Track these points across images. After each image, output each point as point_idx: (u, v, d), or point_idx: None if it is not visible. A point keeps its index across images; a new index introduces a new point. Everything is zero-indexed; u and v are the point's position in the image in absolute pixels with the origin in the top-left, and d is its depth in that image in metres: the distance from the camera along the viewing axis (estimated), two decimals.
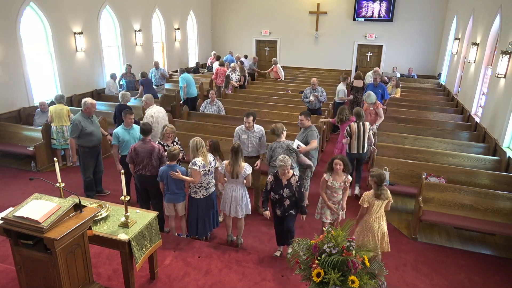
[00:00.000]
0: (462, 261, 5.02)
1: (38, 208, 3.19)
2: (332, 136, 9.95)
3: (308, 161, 5.66)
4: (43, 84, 9.24)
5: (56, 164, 3.82)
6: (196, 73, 14.54)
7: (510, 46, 7.15)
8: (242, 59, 13.92)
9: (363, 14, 15.75)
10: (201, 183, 4.77)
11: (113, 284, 4.14)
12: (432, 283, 4.58)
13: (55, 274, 3.20)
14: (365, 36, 16.12)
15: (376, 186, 4.25)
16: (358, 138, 6.37)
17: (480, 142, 7.78)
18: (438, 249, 5.28)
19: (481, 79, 9.15)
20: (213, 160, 4.94)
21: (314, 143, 5.64)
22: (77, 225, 3.20)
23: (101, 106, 9.43)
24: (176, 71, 13.64)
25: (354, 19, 15.90)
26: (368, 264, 3.13)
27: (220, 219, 5.47)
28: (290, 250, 4.63)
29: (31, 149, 7.31)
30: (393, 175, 6.43)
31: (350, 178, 4.76)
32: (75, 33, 9.80)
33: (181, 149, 5.54)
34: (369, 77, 11.54)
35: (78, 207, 3.35)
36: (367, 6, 15.58)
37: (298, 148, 5.34)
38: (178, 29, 15.07)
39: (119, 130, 5.82)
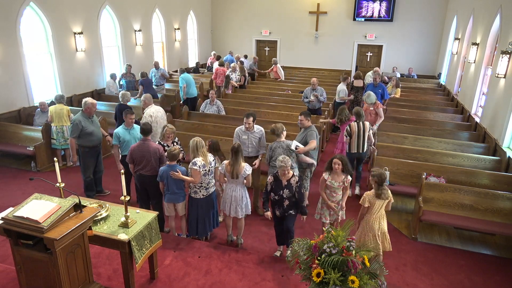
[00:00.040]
0: (462, 261, 5.02)
1: (38, 208, 3.19)
2: (332, 136, 9.95)
3: (310, 159, 5.66)
4: (43, 84, 9.23)
5: (56, 164, 3.82)
6: (196, 73, 14.53)
7: (510, 46, 7.15)
8: (242, 59, 13.92)
9: (363, 14, 15.75)
10: (201, 183, 4.77)
11: (113, 284, 4.14)
12: (432, 283, 4.58)
13: (55, 274, 3.20)
14: (365, 36, 16.12)
15: (377, 186, 4.25)
16: (358, 138, 6.38)
17: (480, 142, 7.78)
18: (438, 249, 5.28)
19: (481, 79, 9.15)
20: (213, 160, 4.94)
21: (313, 144, 5.63)
22: (77, 225, 3.20)
23: (101, 106, 9.43)
24: (176, 71, 13.64)
25: (354, 19, 15.90)
26: (368, 264, 3.13)
27: (220, 219, 5.47)
28: (289, 253, 4.63)
29: (31, 149, 7.31)
30: (393, 175, 6.43)
31: (349, 178, 4.76)
32: (75, 33, 9.81)
33: (181, 149, 5.54)
34: (369, 77, 11.54)
35: (78, 207, 3.35)
36: (367, 6, 15.58)
37: (296, 149, 5.34)
38: (178, 29, 15.07)
39: (119, 130, 5.82)
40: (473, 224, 5.31)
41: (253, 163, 5.60)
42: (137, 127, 5.88)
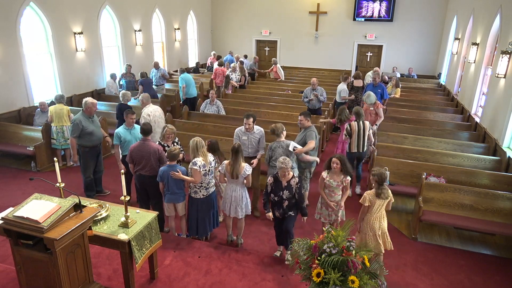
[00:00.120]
0: (462, 261, 5.02)
1: (38, 208, 3.19)
2: (333, 136, 9.95)
3: (312, 158, 5.66)
4: (43, 84, 9.24)
5: (56, 164, 3.82)
6: (196, 73, 14.54)
7: (510, 46, 7.15)
8: (242, 59, 13.93)
9: (363, 14, 15.75)
10: (201, 183, 4.77)
11: (113, 284, 4.14)
12: (432, 283, 4.58)
13: (55, 274, 3.20)
14: (365, 36, 16.13)
15: (377, 185, 4.26)
16: (358, 137, 6.38)
17: (480, 142, 7.78)
18: (438, 249, 5.28)
19: (481, 79, 9.16)
20: (213, 160, 4.94)
21: (311, 144, 5.62)
22: (77, 225, 3.20)
23: (101, 106, 9.43)
24: (176, 71, 13.65)
25: (354, 19, 15.90)
26: (368, 264, 3.13)
27: (220, 219, 5.47)
28: (287, 257, 4.61)
29: (31, 149, 7.31)
30: (393, 175, 6.43)
31: (349, 178, 4.75)
32: (75, 33, 9.81)
33: (181, 149, 5.54)
34: (369, 77, 11.55)
35: (78, 207, 3.35)
36: (367, 6, 15.58)
37: (294, 150, 5.33)
38: (178, 29, 15.07)
39: (120, 130, 5.82)
40: (473, 224, 5.31)
41: (251, 162, 5.59)
42: (137, 127, 5.88)
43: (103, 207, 4.00)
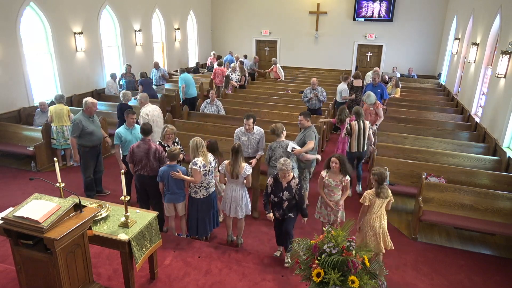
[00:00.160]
0: (462, 261, 5.02)
1: (38, 208, 3.19)
2: (333, 136, 9.95)
3: (313, 156, 5.67)
4: (43, 84, 9.23)
5: (56, 164, 3.82)
6: (196, 73, 14.55)
7: (510, 46, 7.15)
8: (242, 59, 13.93)
9: (363, 14, 15.75)
10: (201, 183, 4.77)
11: (113, 284, 4.14)
12: (432, 283, 4.58)
13: (55, 274, 3.20)
14: (365, 36, 16.13)
15: (377, 185, 4.26)
16: (358, 137, 6.38)
17: (480, 142, 7.78)
18: (438, 249, 5.28)
19: (481, 79, 9.16)
20: (213, 160, 4.94)
21: (311, 144, 5.61)
22: (77, 225, 3.20)
23: (101, 106, 9.43)
24: (176, 71, 13.64)
25: (354, 19, 15.91)
26: (368, 264, 3.13)
27: (220, 219, 5.47)
28: (287, 259, 4.58)
29: (31, 149, 7.31)
30: (393, 175, 6.43)
31: (348, 178, 4.75)
32: (75, 33, 9.81)
33: (181, 149, 5.54)
34: (369, 77, 11.55)
35: (78, 207, 3.35)
36: (367, 6, 15.58)
37: (292, 150, 5.32)
38: (178, 29, 15.07)
39: (121, 130, 5.82)
40: (473, 224, 5.31)
41: (249, 162, 5.58)
42: (138, 127, 5.88)
43: (103, 207, 4.00)
